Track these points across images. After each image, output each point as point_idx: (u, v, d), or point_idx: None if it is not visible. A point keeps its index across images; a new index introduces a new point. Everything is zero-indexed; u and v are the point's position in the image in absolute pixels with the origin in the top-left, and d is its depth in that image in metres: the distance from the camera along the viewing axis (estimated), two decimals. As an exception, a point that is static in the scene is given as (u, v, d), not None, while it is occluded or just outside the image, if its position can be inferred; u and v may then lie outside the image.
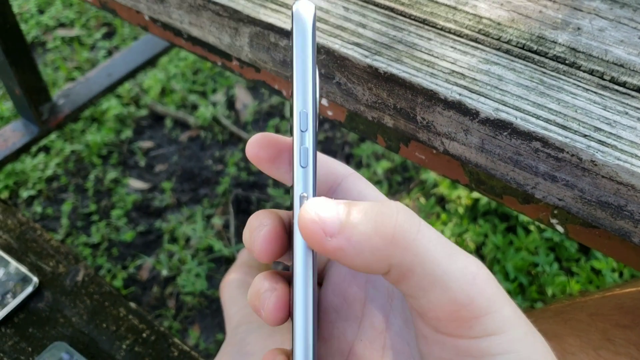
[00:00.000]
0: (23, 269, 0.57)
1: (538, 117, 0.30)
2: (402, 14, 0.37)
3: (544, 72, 0.33)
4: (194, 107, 1.36)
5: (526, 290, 0.98)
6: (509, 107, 0.31)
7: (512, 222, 1.08)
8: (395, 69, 0.33)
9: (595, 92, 0.32)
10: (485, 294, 0.20)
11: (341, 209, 0.22)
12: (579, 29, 0.36)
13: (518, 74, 0.33)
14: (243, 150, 1.27)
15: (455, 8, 0.37)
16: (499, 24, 0.36)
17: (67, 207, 1.15)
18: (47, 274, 0.57)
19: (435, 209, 1.12)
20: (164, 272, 1.05)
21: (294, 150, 0.23)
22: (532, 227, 1.06)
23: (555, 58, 0.34)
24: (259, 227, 0.25)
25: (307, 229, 0.21)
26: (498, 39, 0.35)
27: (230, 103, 1.38)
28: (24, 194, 1.17)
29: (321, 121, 1.30)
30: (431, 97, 0.33)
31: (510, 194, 0.37)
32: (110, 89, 1.11)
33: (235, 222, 1.13)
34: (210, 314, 1.00)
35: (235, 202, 1.16)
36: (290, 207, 0.25)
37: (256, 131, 1.31)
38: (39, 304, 0.55)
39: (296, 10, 0.23)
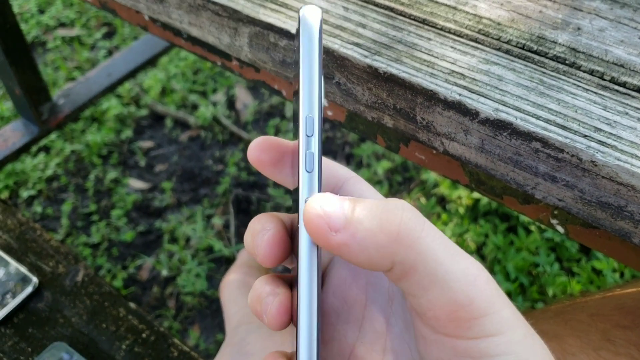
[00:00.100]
0: (23, 269, 0.57)
1: (538, 118, 0.30)
2: (402, 13, 0.37)
3: (544, 72, 0.33)
4: (194, 107, 1.36)
5: (527, 290, 0.98)
6: (508, 107, 0.31)
7: (512, 222, 1.08)
8: (395, 69, 0.33)
9: (595, 93, 0.32)
10: (484, 295, 0.21)
11: (346, 204, 0.22)
12: (579, 29, 0.36)
13: (518, 74, 0.33)
14: (243, 150, 1.27)
15: (455, 8, 0.37)
16: (499, 24, 0.36)
17: (67, 207, 1.15)
18: (46, 274, 0.57)
19: (436, 209, 1.12)
20: (164, 272, 1.05)
21: (300, 155, 0.23)
22: (532, 228, 1.06)
23: (556, 58, 0.34)
24: (262, 231, 0.25)
25: (312, 223, 0.21)
26: (498, 39, 0.35)
27: (231, 103, 1.38)
28: (24, 194, 1.18)
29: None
30: (431, 97, 0.33)
31: (510, 194, 0.37)
32: (111, 89, 1.11)
33: (235, 222, 1.13)
34: (210, 314, 1.00)
35: (235, 202, 1.16)
36: (288, 210, 0.24)
37: (256, 131, 1.30)
38: (38, 304, 0.55)
39: (303, 15, 0.23)
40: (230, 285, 0.85)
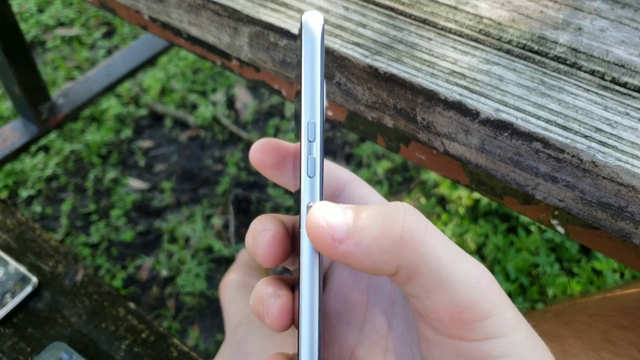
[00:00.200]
0: (22, 269, 0.57)
1: (539, 118, 0.30)
2: (402, 13, 0.37)
3: (545, 73, 0.33)
4: (194, 107, 1.36)
5: (527, 290, 0.98)
6: (509, 107, 0.31)
7: (512, 223, 1.08)
8: (396, 69, 0.33)
9: (596, 93, 0.32)
10: (488, 297, 0.21)
11: (349, 214, 0.22)
12: (580, 29, 0.36)
13: (519, 75, 0.33)
14: (243, 150, 1.27)
15: (455, 8, 0.37)
16: (499, 24, 0.36)
17: (66, 207, 1.15)
18: (46, 274, 0.57)
19: (436, 209, 1.12)
20: (164, 272, 1.05)
21: (302, 160, 0.23)
22: (532, 228, 1.06)
23: (556, 58, 0.34)
24: (262, 231, 0.25)
25: (315, 235, 0.21)
26: (499, 39, 0.35)
27: (230, 103, 1.38)
28: (23, 193, 1.17)
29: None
30: (431, 97, 0.32)
31: (510, 194, 0.37)
32: (110, 89, 1.10)
33: (235, 222, 1.13)
34: (209, 314, 1.00)
35: (235, 202, 1.16)
36: (288, 210, 0.25)
37: (256, 131, 1.30)
38: (38, 304, 0.55)
39: (305, 21, 0.23)
40: (230, 285, 0.85)
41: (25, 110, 0.99)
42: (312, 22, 0.23)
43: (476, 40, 0.35)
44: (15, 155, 1.01)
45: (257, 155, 0.26)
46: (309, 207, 0.23)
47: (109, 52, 1.51)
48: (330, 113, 0.42)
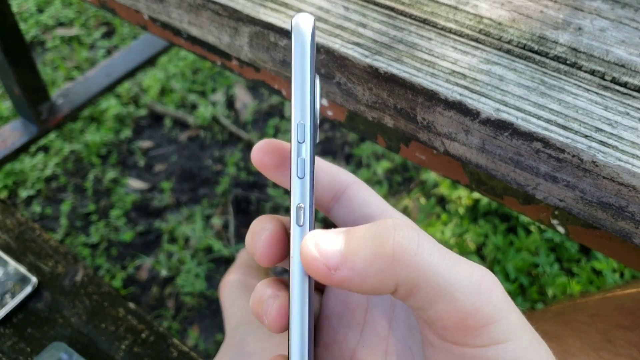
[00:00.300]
0: (22, 269, 0.57)
1: (539, 118, 0.30)
2: (402, 13, 0.37)
3: (545, 73, 0.33)
4: (194, 107, 1.36)
5: (527, 290, 0.98)
6: (509, 107, 0.31)
7: (512, 223, 1.08)
8: (396, 69, 0.33)
9: (596, 93, 0.32)
10: (491, 302, 0.21)
11: (340, 239, 0.22)
12: (580, 29, 0.36)
13: (519, 74, 0.33)
14: (243, 150, 1.27)
15: (456, 8, 0.37)
16: (499, 23, 0.36)
17: (66, 207, 1.15)
18: (46, 274, 0.57)
19: (436, 209, 1.12)
20: (163, 272, 1.05)
21: (291, 161, 0.24)
22: (532, 228, 1.06)
23: (557, 58, 0.34)
24: (261, 231, 0.25)
25: (310, 266, 0.22)
26: (499, 39, 0.35)
27: (230, 103, 1.38)
28: (23, 193, 1.17)
29: (321, 121, 1.30)
30: (432, 97, 0.32)
31: (510, 194, 0.37)
32: (110, 89, 1.10)
33: (234, 222, 1.13)
34: (209, 315, 1.00)
35: (234, 202, 1.16)
36: (288, 210, 0.25)
37: (256, 131, 1.30)
38: (37, 304, 0.55)
39: (295, 23, 0.23)
40: (230, 285, 0.85)
41: (24, 110, 0.99)
42: (303, 24, 0.23)
43: (476, 40, 0.35)
44: (14, 155, 1.01)
45: (258, 156, 0.26)
46: (298, 209, 0.23)
47: (109, 52, 1.51)
48: (330, 113, 0.42)
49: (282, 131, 1.31)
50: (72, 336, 0.53)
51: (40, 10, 1.64)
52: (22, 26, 1.57)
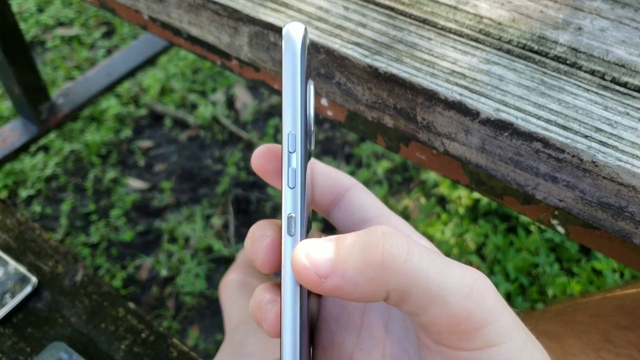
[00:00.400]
0: (22, 269, 0.57)
1: (539, 118, 0.30)
2: (402, 13, 0.37)
3: (545, 73, 0.33)
4: (194, 107, 1.36)
5: (527, 290, 0.98)
6: (509, 107, 0.31)
7: (512, 223, 1.08)
8: (396, 68, 0.33)
9: (596, 93, 0.32)
10: (483, 305, 0.21)
11: (330, 247, 0.22)
12: (580, 29, 0.35)
13: (519, 74, 0.33)
14: (243, 150, 1.27)
15: (455, 8, 0.37)
16: (499, 23, 0.36)
17: (66, 207, 1.15)
18: (46, 274, 0.57)
19: (436, 209, 1.11)
20: (163, 272, 1.05)
21: (282, 171, 0.24)
22: (532, 228, 1.06)
23: (556, 58, 0.34)
24: (261, 237, 0.25)
25: (301, 275, 0.22)
26: (499, 39, 0.35)
27: (230, 102, 1.38)
28: (23, 193, 1.17)
29: (321, 121, 1.30)
30: (431, 97, 0.32)
31: (510, 194, 0.37)
32: (110, 88, 1.10)
33: (234, 222, 1.13)
34: (209, 314, 1.00)
35: (234, 202, 1.16)
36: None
37: (256, 131, 1.30)
38: (37, 304, 0.55)
39: (286, 31, 0.23)
40: (230, 285, 0.85)
41: (24, 110, 0.99)
42: (294, 32, 0.23)
43: (476, 40, 0.35)
44: (14, 155, 1.01)
45: (259, 161, 0.26)
46: (289, 218, 0.23)
47: (109, 51, 1.51)
48: (330, 113, 0.42)
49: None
50: (72, 336, 0.53)
51: (40, 10, 1.64)
52: (22, 26, 1.57)
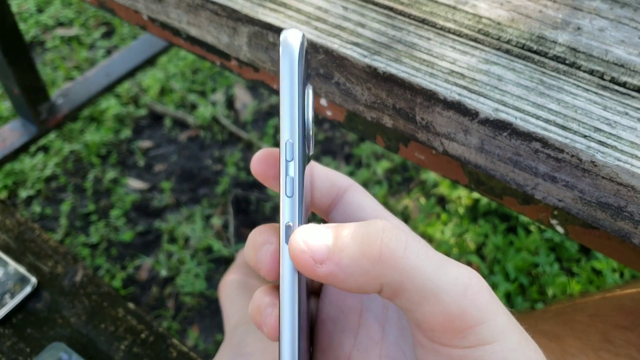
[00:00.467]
0: (21, 269, 0.57)
1: (538, 118, 0.30)
2: (401, 13, 0.37)
3: (544, 72, 0.33)
4: (193, 107, 1.36)
5: (527, 290, 0.98)
6: (508, 107, 0.31)
7: (512, 223, 1.08)
8: (395, 68, 0.33)
9: (595, 93, 0.32)
10: (477, 303, 0.21)
11: (328, 234, 0.22)
12: (579, 28, 0.35)
13: (518, 74, 0.33)
14: (243, 150, 1.27)
15: (454, 8, 0.37)
16: (498, 23, 0.36)
17: (65, 207, 1.15)
18: (45, 274, 0.57)
19: (436, 209, 1.11)
20: (163, 273, 1.05)
21: (280, 180, 0.24)
22: (532, 228, 1.06)
23: (555, 58, 0.34)
24: (265, 245, 0.25)
25: (297, 258, 0.22)
26: (498, 39, 0.35)
27: (230, 103, 1.38)
28: (23, 193, 1.17)
29: (320, 121, 1.30)
30: (430, 97, 0.32)
31: (510, 194, 0.37)
32: (109, 89, 1.10)
33: (234, 222, 1.13)
34: (209, 315, 1.00)
35: (234, 202, 1.16)
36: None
37: (256, 131, 1.30)
38: (37, 304, 0.55)
39: (284, 38, 0.23)
40: (230, 286, 0.85)
41: (24, 110, 0.99)
42: (291, 39, 0.23)
43: (475, 40, 0.35)
44: (14, 155, 1.01)
45: (258, 166, 0.26)
46: (287, 227, 0.23)
47: (108, 52, 1.51)
48: (329, 113, 0.42)
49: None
50: (72, 336, 0.53)
51: (40, 10, 1.64)
52: (22, 26, 1.57)
